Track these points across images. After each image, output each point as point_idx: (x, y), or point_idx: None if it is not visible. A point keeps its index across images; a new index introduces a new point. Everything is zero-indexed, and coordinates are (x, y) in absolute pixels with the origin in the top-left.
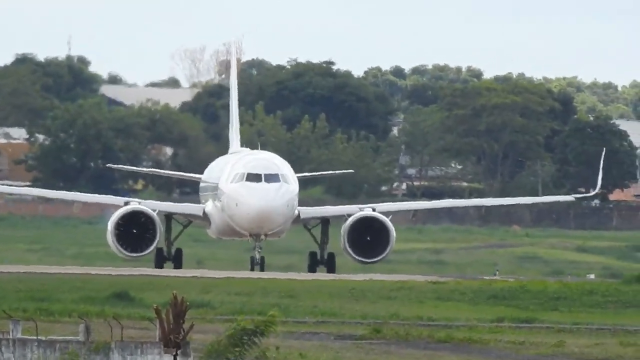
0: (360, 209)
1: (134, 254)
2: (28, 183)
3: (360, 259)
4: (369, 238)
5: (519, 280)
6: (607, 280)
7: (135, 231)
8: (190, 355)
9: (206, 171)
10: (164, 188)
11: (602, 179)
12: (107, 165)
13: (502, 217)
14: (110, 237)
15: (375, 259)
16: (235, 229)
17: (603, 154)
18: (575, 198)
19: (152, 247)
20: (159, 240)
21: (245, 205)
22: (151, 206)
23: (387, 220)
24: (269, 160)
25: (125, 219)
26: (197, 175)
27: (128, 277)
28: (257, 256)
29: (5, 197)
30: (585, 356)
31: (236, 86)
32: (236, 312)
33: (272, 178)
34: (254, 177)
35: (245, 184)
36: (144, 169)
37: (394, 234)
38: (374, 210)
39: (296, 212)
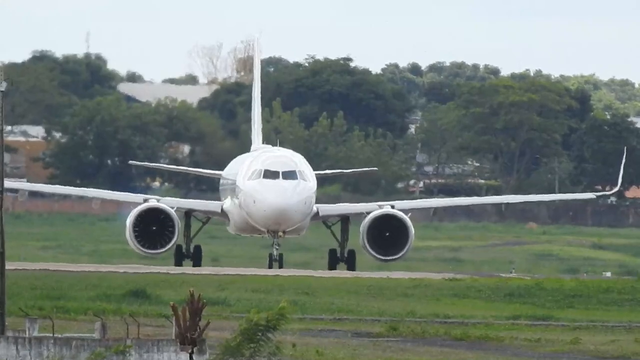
0: (380, 207)
1: (152, 251)
2: (45, 180)
3: (379, 256)
4: (388, 235)
5: (535, 278)
6: (623, 278)
7: (154, 228)
8: (207, 353)
9: (226, 168)
10: (182, 185)
11: (617, 175)
12: (129, 162)
13: (518, 215)
14: (128, 234)
15: (394, 257)
16: (254, 226)
17: (625, 152)
18: (596, 196)
19: (170, 245)
20: (177, 238)
21: (263, 202)
22: (170, 203)
23: (406, 217)
24: (287, 157)
25: (143, 216)
26: (218, 172)
27: (144, 275)
28: (275, 253)
29: (26, 194)
30: (601, 353)
31: (259, 83)
32: (252, 309)
33: (289, 175)
34: (271, 174)
35: (263, 181)
36: (165, 166)
37: (413, 231)
38: (393, 207)
39: (315, 209)
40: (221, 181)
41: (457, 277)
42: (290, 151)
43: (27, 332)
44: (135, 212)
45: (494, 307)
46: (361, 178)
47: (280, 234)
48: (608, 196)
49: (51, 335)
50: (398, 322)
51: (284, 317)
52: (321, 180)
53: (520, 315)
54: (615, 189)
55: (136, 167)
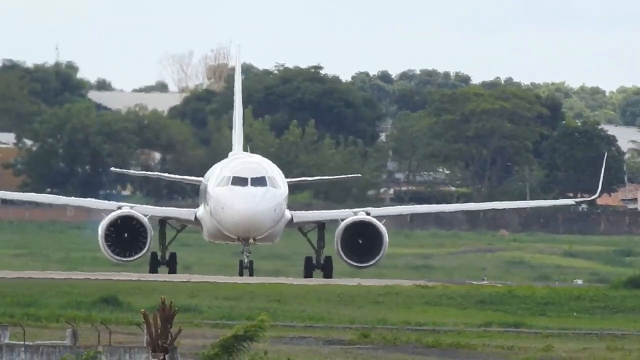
0: (355, 213)
1: (125, 259)
2: (16, 188)
3: (353, 263)
4: (362, 242)
5: (506, 285)
6: (595, 285)
7: (126, 236)
8: None
9: (205, 175)
10: (153, 193)
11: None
12: (111, 168)
13: (489, 222)
14: (101, 242)
15: (368, 264)
16: (225, 233)
17: (605, 157)
18: (575, 202)
19: (142, 252)
20: (150, 245)
21: (231, 209)
22: (143, 211)
23: (380, 224)
24: (257, 164)
25: (116, 224)
26: (199, 179)
27: (116, 282)
28: (246, 260)
29: None
30: None
31: (240, 90)
32: (224, 316)
33: (258, 182)
34: (240, 181)
35: (231, 188)
36: (149, 173)
37: (387, 238)
38: (368, 214)
39: (289, 215)
40: (200, 188)
41: (428, 284)
42: (261, 157)
43: None
44: (107, 219)
45: (466, 314)
46: (332, 185)
47: (251, 241)
48: (588, 202)
49: (22, 342)
50: (369, 329)
51: (262, 328)
52: (292, 188)
53: (492, 323)
54: (596, 195)
55: (106, 174)
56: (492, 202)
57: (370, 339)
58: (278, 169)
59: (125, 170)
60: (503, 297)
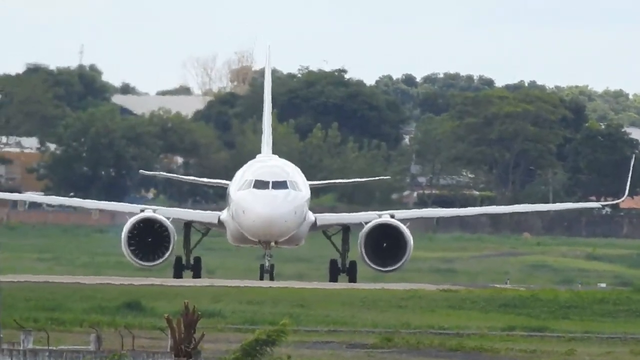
0: (379, 216)
1: (148, 263)
2: (40, 192)
3: (376, 267)
4: (386, 246)
5: (530, 289)
6: (618, 289)
7: (149, 240)
8: None
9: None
10: (177, 197)
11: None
12: (140, 170)
13: (513, 226)
14: (123, 246)
15: (392, 268)
16: (248, 237)
17: (632, 161)
18: (602, 205)
19: (165, 256)
20: (173, 249)
21: (252, 212)
22: (167, 213)
23: (404, 227)
24: (279, 167)
25: (139, 227)
26: (227, 182)
27: (139, 287)
28: (267, 264)
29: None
30: None
31: (270, 92)
32: (247, 321)
33: (279, 185)
34: (261, 184)
35: (253, 191)
36: (178, 176)
37: (412, 242)
38: (392, 216)
39: (312, 218)
40: (226, 192)
41: (451, 288)
42: (284, 161)
43: (22, 345)
44: (130, 223)
45: (489, 318)
46: (356, 189)
47: (273, 244)
48: (614, 205)
49: (46, 347)
50: (393, 333)
51: (285, 332)
52: (315, 191)
53: (516, 326)
54: (623, 198)
55: (130, 178)
56: (518, 205)
57: (394, 343)
58: (300, 172)
59: (153, 172)
60: (526, 301)
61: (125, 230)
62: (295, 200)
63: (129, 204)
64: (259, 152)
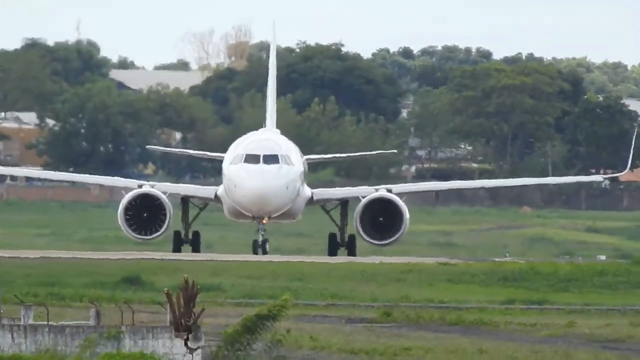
0: (376, 190)
1: (145, 237)
2: (39, 167)
3: (372, 241)
4: (382, 219)
5: (529, 262)
6: (618, 261)
7: (145, 214)
8: (201, 339)
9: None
10: (174, 173)
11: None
12: (147, 146)
13: (512, 199)
14: (120, 220)
15: (387, 241)
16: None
17: (635, 133)
18: (604, 178)
19: (162, 230)
20: (169, 223)
21: (242, 187)
22: (164, 189)
23: (400, 201)
24: (271, 141)
25: (135, 202)
26: None
27: (139, 261)
28: (260, 239)
29: (21, 181)
30: (595, 337)
31: (275, 67)
32: (246, 295)
33: (271, 159)
34: (252, 159)
35: (244, 166)
36: (186, 150)
37: (408, 215)
38: (390, 191)
39: (309, 193)
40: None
41: (451, 261)
42: (277, 135)
43: (22, 320)
44: (127, 197)
45: (489, 291)
46: (354, 163)
47: (266, 219)
48: (613, 178)
49: (46, 323)
50: (392, 307)
51: (286, 308)
52: (313, 166)
53: (515, 300)
54: (625, 171)
55: (128, 154)
56: (519, 179)
57: (393, 317)
58: (295, 147)
59: (160, 147)
60: (526, 274)
61: (122, 204)
62: (288, 174)
63: (127, 179)
64: (258, 126)
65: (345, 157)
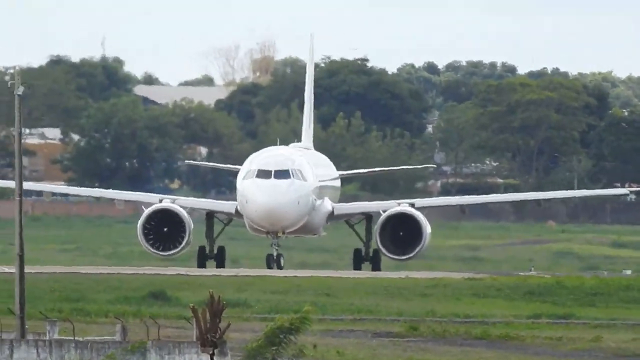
0: (398, 204)
1: (163, 253)
2: (63, 183)
3: (391, 256)
4: (402, 234)
5: (555, 276)
6: None
7: (165, 230)
8: (228, 354)
9: None
10: (200, 188)
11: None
12: (187, 161)
13: (537, 214)
14: (139, 236)
15: (407, 256)
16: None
17: None
18: (630, 192)
19: (181, 246)
20: (188, 239)
21: (254, 202)
22: (185, 203)
23: (420, 216)
24: (283, 156)
25: (155, 218)
26: None
27: (164, 277)
28: (275, 254)
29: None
30: (622, 351)
31: (312, 81)
32: (272, 310)
33: (282, 174)
34: (263, 174)
35: (255, 181)
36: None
37: (428, 230)
38: (412, 205)
39: (329, 208)
40: None
41: (476, 276)
42: (292, 150)
43: (47, 335)
44: (146, 213)
45: (514, 306)
46: (379, 178)
47: (281, 234)
48: (636, 192)
49: (72, 338)
50: (418, 322)
51: (307, 320)
52: (342, 180)
53: (541, 314)
54: None
55: (154, 169)
56: (544, 192)
57: (419, 332)
58: (327, 162)
59: (197, 162)
60: (551, 288)
61: (141, 220)
62: (299, 190)
63: (148, 194)
64: (283, 142)
65: (379, 171)
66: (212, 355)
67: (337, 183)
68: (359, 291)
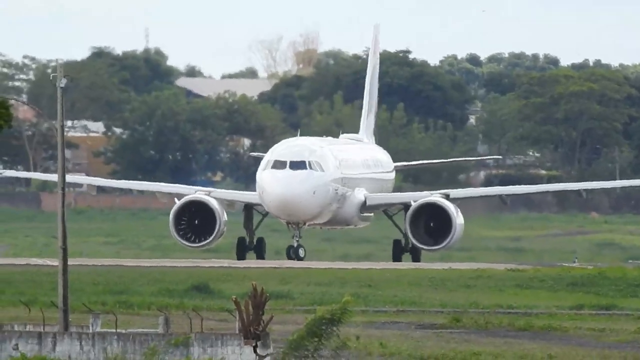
0: (431, 194)
1: (194, 245)
2: (106, 176)
3: (422, 246)
4: (432, 225)
5: (597, 267)
6: None
7: (196, 221)
8: (270, 347)
9: None
10: (243, 180)
11: None
12: (251, 153)
13: (580, 205)
14: (171, 227)
15: (437, 247)
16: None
17: None
18: None
19: (210, 238)
20: (219, 230)
21: (270, 193)
22: (220, 196)
23: (451, 206)
24: (301, 147)
25: (186, 209)
26: None
27: (207, 269)
28: (295, 244)
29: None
30: None
31: (377, 72)
32: (315, 302)
33: (297, 165)
34: (279, 164)
35: (272, 172)
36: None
37: (459, 221)
38: (448, 196)
39: (362, 198)
40: None
41: (519, 267)
42: (313, 140)
43: (90, 328)
44: (177, 205)
45: (557, 297)
46: (421, 169)
47: (302, 225)
48: None
49: (114, 330)
50: (461, 313)
51: (348, 310)
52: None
53: (584, 305)
54: None
55: (196, 161)
56: (585, 182)
57: (462, 323)
58: (383, 154)
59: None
60: (594, 279)
61: (173, 211)
62: (316, 180)
63: (184, 186)
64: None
65: (438, 163)
66: (255, 348)
67: (386, 176)
68: (402, 283)
